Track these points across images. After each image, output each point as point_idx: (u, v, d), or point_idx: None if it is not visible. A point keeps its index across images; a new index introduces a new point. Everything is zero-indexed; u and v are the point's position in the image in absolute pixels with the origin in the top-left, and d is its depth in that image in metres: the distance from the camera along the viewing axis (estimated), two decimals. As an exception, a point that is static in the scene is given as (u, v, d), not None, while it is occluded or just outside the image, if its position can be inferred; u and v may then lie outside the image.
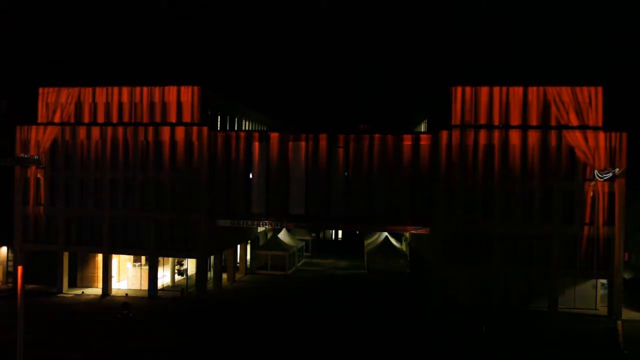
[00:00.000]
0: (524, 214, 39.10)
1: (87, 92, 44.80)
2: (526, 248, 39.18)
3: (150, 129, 43.18)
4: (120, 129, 43.68)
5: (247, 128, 55.27)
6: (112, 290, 44.68)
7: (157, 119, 43.61)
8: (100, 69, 66.40)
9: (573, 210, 38.81)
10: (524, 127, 39.28)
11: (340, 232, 74.23)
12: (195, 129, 42.65)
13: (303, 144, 42.13)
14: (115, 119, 44.34)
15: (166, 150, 43.04)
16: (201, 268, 43.28)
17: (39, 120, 45.28)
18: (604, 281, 40.11)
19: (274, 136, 42.60)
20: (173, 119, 43.29)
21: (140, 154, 43.45)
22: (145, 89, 44.11)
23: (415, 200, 40.85)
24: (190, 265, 48.09)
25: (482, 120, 39.85)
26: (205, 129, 42.75)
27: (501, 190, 39.30)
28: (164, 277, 47.14)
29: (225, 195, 43.35)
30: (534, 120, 39.25)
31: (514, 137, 39.09)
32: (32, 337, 27.85)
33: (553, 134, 38.68)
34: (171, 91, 43.54)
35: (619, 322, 32.02)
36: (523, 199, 39.10)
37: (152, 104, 43.81)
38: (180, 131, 42.77)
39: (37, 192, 44.79)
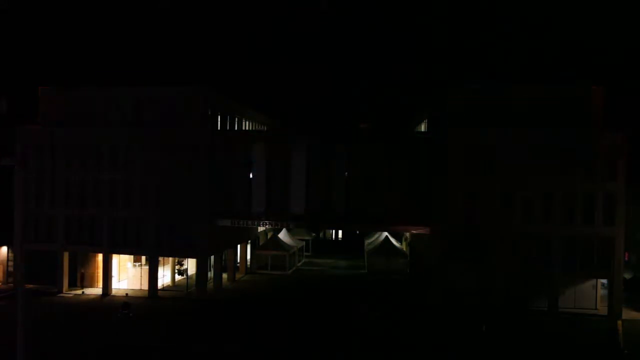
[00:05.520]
0: (524, 214, 39.13)
1: (88, 92, 44.92)
2: (526, 247, 39.20)
3: (151, 130, 43.16)
4: (120, 130, 43.69)
5: (247, 128, 55.26)
6: (113, 290, 44.68)
7: (158, 119, 43.60)
8: (101, 69, 66.37)
9: (573, 210, 38.83)
10: (524, 126, 39.32)
11: (340, 232, 74.25)
12: (196, 129, 42.61)
13: (303, 143, 42.11)
14: (116, 119, 44.38)
15: (166, 150, 43.00)
16: (201, 268, 43.29)
17: (39, 120, 45.33)
18: (604, 281, 40.13)
19: (274, 136, 42.61)
20: (174, 119, 43.29)
21: (140, 154, 43.41)
22: (145, 89, 44.22)
23: (416, 199, 40.85)
24: (190, 265, 48.10)
25: (480, 120, 39.95)
26: (206, 129, 42.77)
27: (501, 190, 39.33)
28: (164, 277, 47.14)
29: (226, 195, 43.34)
30: (533, 120, 39.38)
31: (514, 136, 39.11)
32: (33, 336, 27.87)
33: (552, 134, 38.69)
34: (172, 91, 43.60)
35: (619, 322, 32.04)
36: (523, 199, 39.13)
37: (152, 104, 43.81)
38: (180, 131, 42.74)
39: (38, 191, 44.80)
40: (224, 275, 49.23)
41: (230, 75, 78.85)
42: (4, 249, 47.66)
